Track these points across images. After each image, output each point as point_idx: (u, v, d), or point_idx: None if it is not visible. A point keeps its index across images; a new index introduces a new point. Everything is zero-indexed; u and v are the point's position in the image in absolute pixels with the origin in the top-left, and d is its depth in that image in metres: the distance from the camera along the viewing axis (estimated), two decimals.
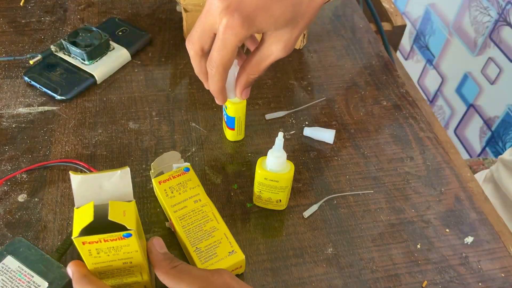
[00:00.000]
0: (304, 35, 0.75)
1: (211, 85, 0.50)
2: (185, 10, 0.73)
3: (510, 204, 0.76)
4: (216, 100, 0.52)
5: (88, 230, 0.36)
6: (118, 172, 0.37)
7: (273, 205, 0.54)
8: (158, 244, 0.42)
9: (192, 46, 0.49)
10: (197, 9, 0.72)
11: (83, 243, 0.37)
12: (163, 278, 0.40)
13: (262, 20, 0.45)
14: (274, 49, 0.47)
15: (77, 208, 0.37)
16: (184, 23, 0.75)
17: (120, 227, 0.36)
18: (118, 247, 0.38)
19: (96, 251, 0.38)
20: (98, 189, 0.38)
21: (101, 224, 0.37)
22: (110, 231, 0.36)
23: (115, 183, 0.38)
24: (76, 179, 0.37)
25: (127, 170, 0.38)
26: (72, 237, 0.36)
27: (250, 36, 0.49)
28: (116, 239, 0.37)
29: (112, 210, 0.37)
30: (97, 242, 0.37)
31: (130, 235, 0.37)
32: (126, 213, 0.37)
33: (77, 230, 0.36)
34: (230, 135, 0.61)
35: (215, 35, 0.46)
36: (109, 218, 0.36)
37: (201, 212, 0.50)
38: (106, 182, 0.38)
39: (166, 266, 0.40)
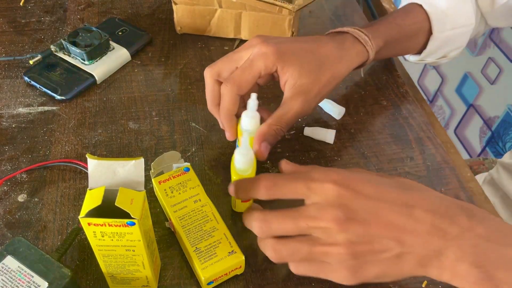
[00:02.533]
0: (293, 33, 0.75)
1: (221, 107, 0.50)
2: (175, 3, 0.73)
3: (509, 203, 0.76)
4: (225, 132, 0.53)
5: (98, 212, 0.38)
6: (132, 162, 0.39)
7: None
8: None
9: (210, 70, 0.50)
10: (186, 2, 0.72)
11: (89, 224, 0.38)
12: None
13: (290, 60, 0.48)
14: (294, 103, 0.49)
15: (89, 189, 0.39)
16: (175, 15, 0.75)
17: (127, 214, 0.38)
18: (121, 234, 0.39)
19: (100, 233, 0.39)
20: (112, 174, 0.39)
21: (112, 208, 0.38)
22: (119, 216, 0.38)
23: (128, 171, 0.39)
24: (92, 162, 0.39)
25: (141, 160, 0.39)
26: (79, 217, 0.38)
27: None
28: (120, 226, 0.38)
29: (120, 196, 0.38)
30: (102, 225, 0.38)
31: (133, 223, 0.38)
32: (134, 201, 0.38)
33: (85, 211, 0.38)
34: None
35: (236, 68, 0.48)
36: (116, 204, 0.37)
37: (201, 212, 0.50)
38: (120, 169, 0.39)
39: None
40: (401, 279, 0.40)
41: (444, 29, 0.62)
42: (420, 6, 0.62)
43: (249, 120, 0.50)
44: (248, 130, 0.51)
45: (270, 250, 0.40)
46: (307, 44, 0.52)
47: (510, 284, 0.35)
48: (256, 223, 0.41)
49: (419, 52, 0.66)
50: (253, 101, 0.49)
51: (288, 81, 0.50)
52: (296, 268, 0.42)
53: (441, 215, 0.38)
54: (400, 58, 0.76)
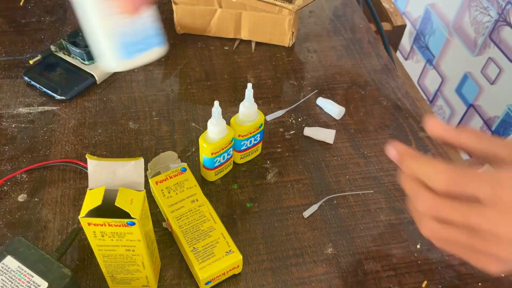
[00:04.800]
0: (293, 33, 0.75)
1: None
2: (175, 3, 0.73)
3: None
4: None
5: (99, 212, 0.38)
6: (132, 162, 0.39)
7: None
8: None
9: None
10: (186, 2, 0.72)
11: (88, 224, 0.38)
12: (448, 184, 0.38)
13: None
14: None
15: (90, 189, 0.39)
16: (175, 15, 0.75)
17: (127, 214, 0.38)
18: (121, 234, 0.39)
19: (100, 233, 0.39)
20: (111, 175, 0.39)
21: (112, 208, 0.38)
22: (119, 216, 0.38)
23: (128, 172, 0.39)
24: (92, 163, 0.39)
25: (141, 160, 0.39)
26: (79, 217, 0.38)
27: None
28: (120, 225, 0.38)
29: (120, 196, 0.38)
30: (101, 225, 0.38)
31: (133, 223, 0.38)
32: (133, 201, 0.38)
33: (85, 211, 0.38)
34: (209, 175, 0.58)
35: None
36: (116, 204, 0.38)
37: (198, 212, 0.50)
38: (120, 169, 0.39)
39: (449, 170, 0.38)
40: None
41: None
42: None
43: (213, 127, 0.52)
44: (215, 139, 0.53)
45: (429, 230, 0.39)
46: None
47: None
48: (425, 202, 0.39)
49: None
50: (216, 109, 0.51)
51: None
52: (446, 247, 0.40)
53: None
54: (401, 58, 0.76)
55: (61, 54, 0.70)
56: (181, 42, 0.77)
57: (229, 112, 0.66)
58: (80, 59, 0.69)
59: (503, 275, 0.51)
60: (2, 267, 0.42)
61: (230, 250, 0.47)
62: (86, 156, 0.39)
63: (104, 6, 0.38)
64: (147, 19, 0.42)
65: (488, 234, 0.38)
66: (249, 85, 0.53)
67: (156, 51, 0.44)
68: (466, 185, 0.37)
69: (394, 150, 0.41)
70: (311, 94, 0.69)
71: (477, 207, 0.38)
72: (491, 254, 0.39)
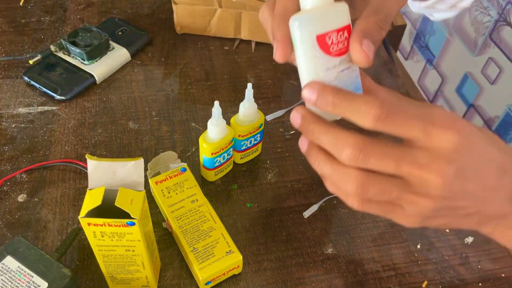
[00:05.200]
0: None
1: (276, 7, 0.38)
2: (175, 3, 0.73)
3: None
4: (275, 48, 0.38)
5: (99, 212, 0.38)
6: (132, 162, 0.39)
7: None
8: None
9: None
10: (186, 2, 0.72)
11: (88, 224, 0.38)
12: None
13: None
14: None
15: (89, 189, 0.39)
16: (175, 15, 0.75)
17: (127, 215, 0.38)
18: (121, 234, 0.39)
19: (100, 234, 0.39)
20: (111, 175, 0.39)
21: (112, 208, 0.38)
22: (120, 216, 0.38)
23: (128, 172, 0.39)
24: (92, 163, 0.39)
25: (141, 160, 0.39)
26: (79, 217, 0.38)
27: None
28: (119, 226, 0.38)
29: (120, 196, 0.38)
30: (101, 225, 0.38)
31: (133, 223, 0.38)
32: (133, 201, 0.38)
33: (84, 211, 0.38)
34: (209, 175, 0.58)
35: None
36: (116, 204, 0.38)
37: (198, 212, 0.50)
38: (120, 170, 0.39)
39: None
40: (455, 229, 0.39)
41: None
42: None
43: (213, 127, 0.52)
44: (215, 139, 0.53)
45: (355, 183, 0.34)
46: None
47: None
48: (350, 149, 0.33)
49: None
50: (216, 109, 0.51)
51: None
52: (364, 206, 0.36)
53: None
54: (401, 58, 0.76)
55: (61, 54, 0.70)
56: (181, 42, 0.77)
57: (229, 112, 0.66)
58: (80, 59, 0.69)
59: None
60: (2, 267, 0.42)
61: (230, 250, 0.47)
62: (86, 156, 0.39)
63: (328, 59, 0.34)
64: (355, 74, 0.36)
65: (416, 179, 0.34)
66: (249, 85, 0.53)
67: None
68: (398, 125, 0.33)
69: (298, 115, 0.36)
70: None
71: (409, 151, 0.33)
72: (416, 205, 0.34)
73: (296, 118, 0.36)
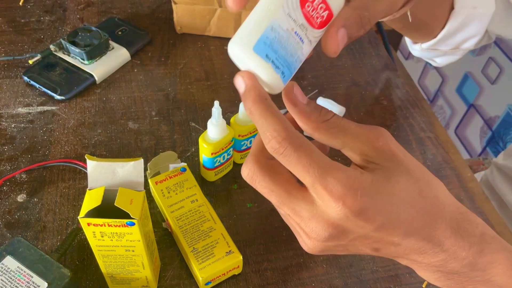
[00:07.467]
0: None
1: None
2: (174, 3, 0.73)
3: (505, 206, 0.76)
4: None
5: (98, 212, 0.38)
6: (131, 162, 0.39)
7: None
8: (299, 93, 0.33)
9: None
10: (186, 2, 0.72)
11: (88, 224, 0.38)
12: (312, 133, 0.33)
13: None
14: None
15: (89, 190, 0.39)
16: (175, 15, 0.75)
17: (127, 215, 0.38)
18: (121, 234, 0.39)
19: (100, 234, 0.39)
20: (111, 175, 0.39)
21: (111, 208, 0.38)
22: (119, 216, 0.38)
23: (128, 172, 0.39)
24: (91, 164, 0.39)
25: (140, 161, 0.39)
26: (79, 217, 0.38)
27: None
28: (119, 226, 0.38)
29: (120, 197, 0.38)
30: (101, 225, 0.38)
31: (133, 224, 0.38)
32: (133, 201, 0.38)
33: (84, 211, 0.38)
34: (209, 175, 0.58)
35: None
36: (115, 204, 0.37)
37: (198, 212, 0.50)
38: (119, 170, 0.39)
39: (316, 120, 0.33)
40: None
41: (465, 5, 0.60)
42: None
43: (213, 127, 0.52)
44: (215, 139, 0.53)
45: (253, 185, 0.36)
46: None
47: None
48: (245, 171, 0.36)
49: (435, 36, 0.62)
50: (216, 109, 0.51)
51: None
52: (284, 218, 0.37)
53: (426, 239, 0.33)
54: (401, 58, 0.76)
55: (60, 54, 0.70)
56: (181, 42, 0.77)
57: (229, 112, 0.66)
58: (79, 58, 0.69)
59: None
60: (2, 268, 0.42)
61: (230, 251, 0.47)
62: (86, 157, 0.39)
63: (297, 15, 0.31)
64: (304, 50, 0.33)
65: (298, 226, 0.34)
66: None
67: (272, 77, 0.32)
68: (293, 167, 0.32)
69: (242, 81, 0.32)
70: (311, 94, 0.69)
71: (295, 197, 0.33)
72: (302, 238, 0.34)
73: (240, 84, 0.32)
